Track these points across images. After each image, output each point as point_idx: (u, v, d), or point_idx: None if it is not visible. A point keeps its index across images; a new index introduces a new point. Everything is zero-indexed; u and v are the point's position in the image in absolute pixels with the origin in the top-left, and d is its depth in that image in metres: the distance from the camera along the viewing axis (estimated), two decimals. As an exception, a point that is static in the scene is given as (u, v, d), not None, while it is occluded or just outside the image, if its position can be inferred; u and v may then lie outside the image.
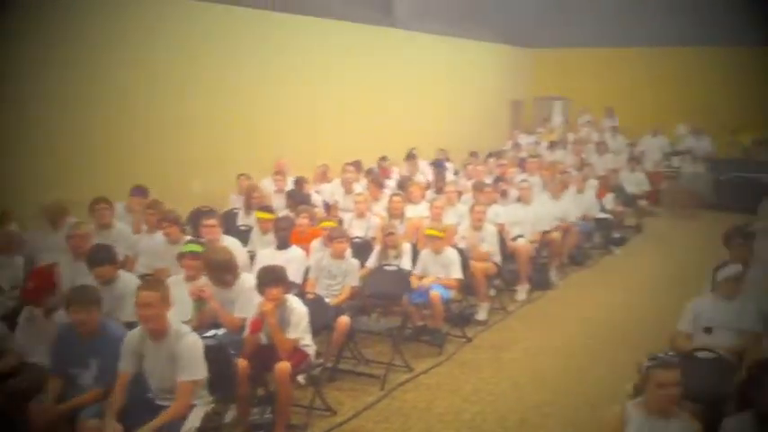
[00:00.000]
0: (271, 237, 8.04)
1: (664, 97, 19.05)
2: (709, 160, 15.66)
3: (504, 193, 11.00)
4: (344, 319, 6.81)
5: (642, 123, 17.24)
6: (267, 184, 10.80)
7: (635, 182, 14.17)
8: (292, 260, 7.38)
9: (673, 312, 6.25)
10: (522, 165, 13.10)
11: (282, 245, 7.62)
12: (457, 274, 7.96)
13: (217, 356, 5.29)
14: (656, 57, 19.63)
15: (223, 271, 6.23)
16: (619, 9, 19.77)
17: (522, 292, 9.69)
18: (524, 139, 17.53)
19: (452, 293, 8.03)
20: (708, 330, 5.96)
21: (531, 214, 10.11)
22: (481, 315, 8.76)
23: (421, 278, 7.94)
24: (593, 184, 12.59)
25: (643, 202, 14.10)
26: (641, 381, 4.22)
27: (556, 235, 10.30)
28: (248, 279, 6.22)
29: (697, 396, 5.21)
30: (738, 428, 4.08)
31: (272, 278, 5.77)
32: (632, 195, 13.89)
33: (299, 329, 5.81)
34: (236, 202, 10.49)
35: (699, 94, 18.62)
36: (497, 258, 9.02)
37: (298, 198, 9.80)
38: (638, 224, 14.14)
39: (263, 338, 5.85)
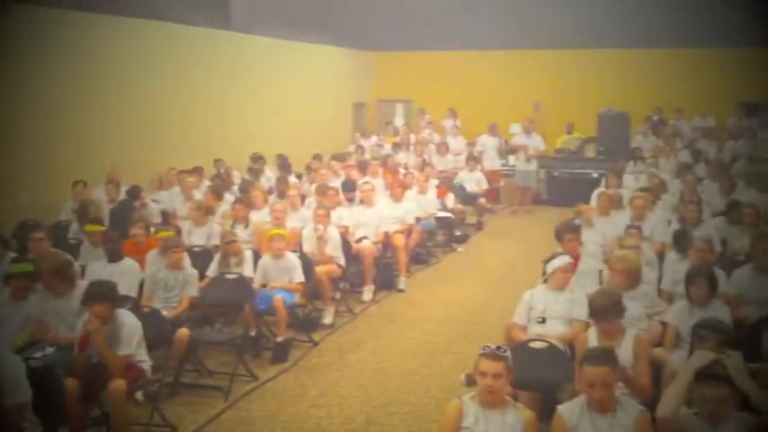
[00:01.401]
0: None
1: (501, 97, 19.80)
2: (542, 158, 16.37)
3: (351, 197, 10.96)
4: (183, 332, 6.60)
5: (481, 123, 17.79)
6: (99, 194, 10.31)
7: (474, 181, 14.56)
8: (125, 273, 7.08)
9: (514, 305, 6.42)
10: (364, 167, 13.17)
11: (113, 257, 7.28)
12: (299, 277, 7.89)
13: (43, 377, 5.01)
14: (494, 58, 20.38)
15: (62, 274, 6.09)
16: (454, 13, 20.34)
17: (367, 292, 9.73)
18: (367, 142, 17.67)
19: (296, 298, 7.94)
20: (542, 321, 6.20)
21: (375, 216, 10.18)
22: (327, 319, 8.71)
23: (263, 285, 7.81)
24: (434, 183, 12.85)
25: (482, 200, 14.52)
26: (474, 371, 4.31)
27: (399, 239, 10.35)
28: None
29: (532, 385, 5.43)
30: (572, 413, 4.22)
31: (96, 293, 5.51)
32: (472, 194, 14.28)
33: (132, 345, 5.58)
34: (69, 212, 9.94)
35: (535, 93, 19.49)
36: (341, 261, 9.02)
37: (119, 214, 9.38)
38: (479, 221, 14.57)
39: (93, 356, 5.56)
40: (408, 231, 10.81)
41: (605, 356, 4.23)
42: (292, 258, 7.99)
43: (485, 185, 14.72)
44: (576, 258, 7.08)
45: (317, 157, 14.03)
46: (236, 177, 12.46)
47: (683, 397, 4.10)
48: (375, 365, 7.56)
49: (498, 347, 4.24)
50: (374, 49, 21.23)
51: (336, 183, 11.53)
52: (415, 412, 6.47)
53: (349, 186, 10.70)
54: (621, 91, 19.04)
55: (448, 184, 13.51)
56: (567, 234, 7.29)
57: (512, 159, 16.91)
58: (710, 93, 18.67)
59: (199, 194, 10.75)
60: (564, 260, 6.33)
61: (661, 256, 8.11)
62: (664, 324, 6.10)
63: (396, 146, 16.72)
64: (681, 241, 7.65)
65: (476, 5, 20.15)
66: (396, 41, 20.82)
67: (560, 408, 4.29)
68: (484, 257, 12.39)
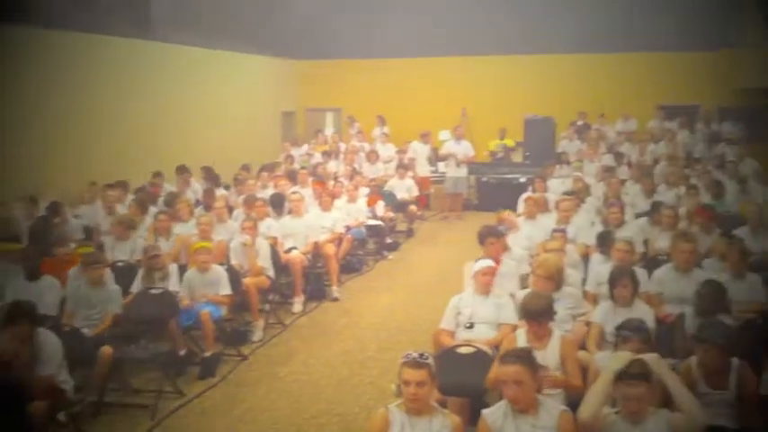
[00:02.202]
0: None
1: (430, 104, 19.97)
2: (471, 164, 16.53)
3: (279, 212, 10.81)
4: (106, 350, 6.42)
5: (410, 130, 17.90)
6: (18, 211, 9.98)
7: (405, 188, 14.61)
8: (45, 291, 6.89)
9: (444, 310, 6.44)
10: (293, 177, 13.07)
11: (32, 275, 7.05)
12: (225, 290, 7.77)
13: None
14: (422, 66, 20.55)
15: None
16: (382, 21, 20.43)
17: (297, 303, 9.65)
18: (297, 151, 17.57)
19: (224, 311, 7.82)
20: (470, 326, 6.23)
21: (303, 226, 10.14)
22: (257, 335, 8.57)
23: (190, 299, 7.67)
24: (364, 192, 12.86)
25: (413, 207, 14.57)
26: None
27: (329, 248, 10.31)
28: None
29: (460, 390, 5.45)
30: (495, 417, 4.24)
31: (16, 313, 5.33)
32: (402, 201, 14.32)
33: (53, 365, 5.42)
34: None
35: (463, 100, 19.67)
36: (270, 272, 8.94)
37: (38, 230, 9.10)
38: (410, 228, 14.62)
39: (12, 377, 5.36)
40: (338, 240, 10.79)
41: (517, 355, 4.28)
42: (218, 271, 7.87)
43: (415, 192, 14.80)
44: (498, 261, 7.17)
45: (245, 167, 13.89)
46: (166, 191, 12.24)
47: (604, 398, 4.16)
48: (305, 377, 7.50)
49: (421, 355, 4.23)
50: (302, 58, 21.16)
51: (265, 194, 11.43)
52: (345, 422, 6.44)
53: (277, 201, 10.57)
54: (547, 96, 19.41)
55: (378, 191, 13.52)
56: (489, 238, 7.34)
57: (441, 166, 17.05)
58: (632, 97, 19.15)
59: (124, 209, 10.51)
60: (482, 264, 6.37)
61: (586, 257, 8.26)
62: (589, 325, 6.21)
63: (326, 155, 16.66)
64: (604, 243, 7.81)
65: (402, 14, 20.28)
66: (324, 50, 20.81)
67: (485, 412, 4.32)
68: (415, 264, 12.43)
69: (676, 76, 19.28)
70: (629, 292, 6.06)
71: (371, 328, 8.99)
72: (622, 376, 4.09)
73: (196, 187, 12.66)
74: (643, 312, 5.90)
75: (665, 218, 8.80)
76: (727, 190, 11.39)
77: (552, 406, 4.25)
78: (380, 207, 12.87)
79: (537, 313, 5.24)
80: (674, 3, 18.77)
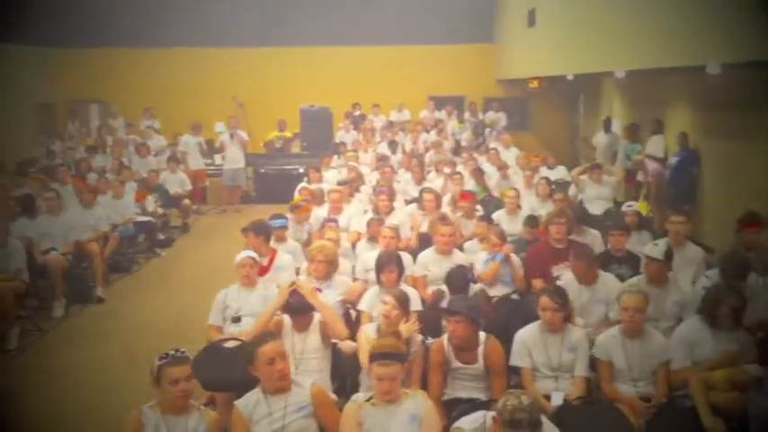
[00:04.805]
0: None
1: (203, 95, 19.49)
2: (249, 155, 16.32)
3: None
4: None
5: (183, 122, 17.32)
6: None
7: (177, 182, 14.14)
8: None
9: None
10: (52, 173, 12.16)
11: None
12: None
13: None
14: (194, 56, 20.01)
15: None
16: (149, 7, 19.61)
17: (58, 308, 9.04)
18: (59, 146, 16.43)
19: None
20: (237, 319, 6.10)
21: (62, 225, 9.47)
22: (11, 343, 7.94)
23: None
24: (132, 187, 12.30)
25: (187, 202, 14.11)
26: (154, 380, 4.10)
27: (94, 247, 9.74)
28: None
29: (226, 384, 5.32)
30: (247, 404, 4.23)
31: None
32: (176, 195, 13.84)
33: None
34: None
35: (237, 90, 19.34)
36: (25, 276, 8.27)
37: None
38: (185, 224, 14.16)
39: None
40: (104, 239, 10.21)
41: (268, 334, 4.43)
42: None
43: (188, 186, 14.35)
44: (270, 254, 7.10)
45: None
46: None
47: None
48: (68, 383, 7.06)
49: (177, 350, 4.12)
50: (62, 46, 19.73)
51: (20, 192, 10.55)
52: (109, 428, 6.07)
53: (26, 202, 9.73)
54: (324, 87, 19.62)
55: (147, 186, 12.96)
56: (254, 233, 7.23)
57: (218, 159, 16.69)
58: (405, 88, 19.87)
59: None
60: (240, 256, 6.27)
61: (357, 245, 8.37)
62: (357, 311, 6.29)
63: (90, 149, 15.67)
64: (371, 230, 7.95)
65: (169, 1, 19.57)
66: (87, 37, 19.52)
67: (237, 402, 4.30)
68: (189, 260, 12.06)
69: (446, 68, 20.23)
70: (395, 276, 6.21)
71: (140, 330, 8.60)
72: (375, 357, 4.13)
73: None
74: (409, 295, 6.05)
75: (427, 202, 9.08)
76: (489, 176, 12.02)
77: (305, 381, 4.34)
78: (150, 202, 12.36)
79: (298, 307, 5.22)
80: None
